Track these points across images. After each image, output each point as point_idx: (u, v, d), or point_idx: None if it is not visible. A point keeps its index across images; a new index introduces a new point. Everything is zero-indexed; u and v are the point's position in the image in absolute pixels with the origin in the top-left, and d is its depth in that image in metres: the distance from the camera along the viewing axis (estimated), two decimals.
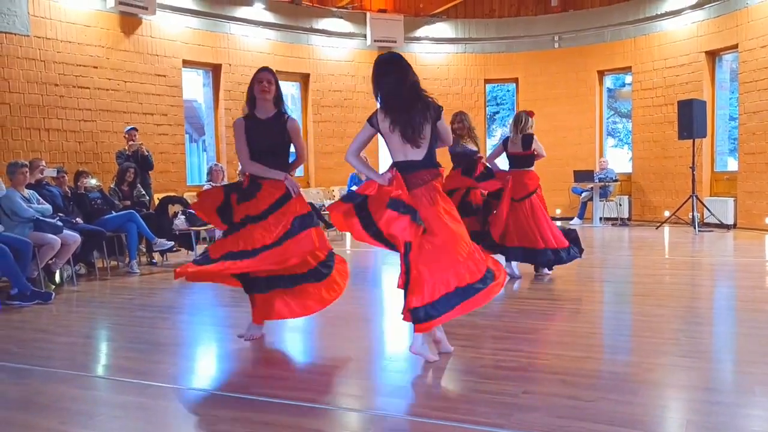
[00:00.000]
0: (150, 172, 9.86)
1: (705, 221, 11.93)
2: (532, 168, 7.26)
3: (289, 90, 13.56)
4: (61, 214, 7.49)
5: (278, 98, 4.69)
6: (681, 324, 5.06)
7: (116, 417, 3.32)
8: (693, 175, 11.55)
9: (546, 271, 7.25)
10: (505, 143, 7.34)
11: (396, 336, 5.09)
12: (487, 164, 7.14)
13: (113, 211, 8.37)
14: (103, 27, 10.64)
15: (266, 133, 4.53)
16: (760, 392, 3.42)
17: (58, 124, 10.02)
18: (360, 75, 14.02)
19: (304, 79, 13.77)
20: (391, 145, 4.09)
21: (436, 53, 14.88)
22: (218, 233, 9.02)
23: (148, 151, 9.66)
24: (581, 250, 7.13)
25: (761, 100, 11.20)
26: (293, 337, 5.01)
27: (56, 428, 3.16)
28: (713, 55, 12.48)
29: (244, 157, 4.55)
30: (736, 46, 11.78)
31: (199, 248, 9.19)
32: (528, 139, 7.14)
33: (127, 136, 9.72)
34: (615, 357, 4.27)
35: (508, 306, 6.21)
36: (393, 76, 4.15)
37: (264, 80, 4.55)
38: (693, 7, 12.49)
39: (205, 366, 4.42)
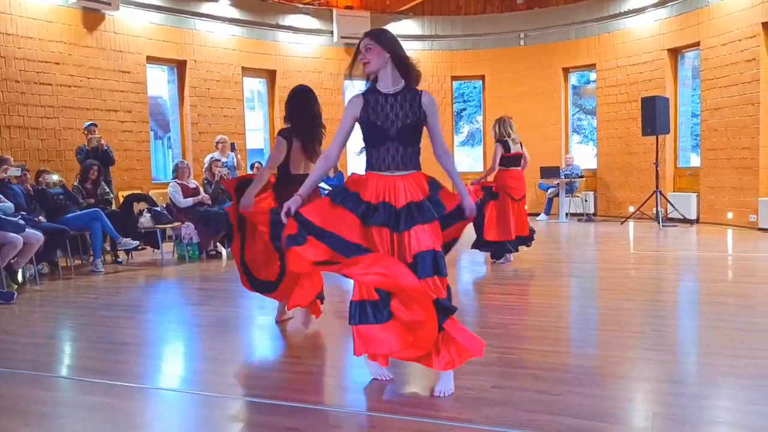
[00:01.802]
0: (111, 167, 9.67)
1: (669, 216, 12.11)
2: None
3: (256, 86, 13.48)
4: (23, 213, 7.35)
5: None
6: (646, 317, 5.13)
7: (81, 418, 3.27)
8: (657, 170, 11.72)
9: (509, 258, 7.85)
10: (505, 146, 7.88)
11: None
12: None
13: (77, 209, 8.23)
14: (65, 23, 10.46)
15: None
16: (724, 384, 3.48)
17: (19, 121, 9.83)
18: (327, 72, 13.97)
19: (270, 76, 13.66)
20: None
21: None
22: (185, 230, 8.94)
23: (107, 146, 9.48)
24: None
25: (722, 96, 11.40)
26: (261, 335, 4.98)
27: (20, 430, 3.09)
28: (675, 53, 12.68)
29: None
30: (697, 44, 11.98)
31: (165, 246, 9.10)
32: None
33: (86, 132, 9.53)
34: (582, 351, 4.32)
35: (476, 301, 6.24)
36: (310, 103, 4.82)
37: None
38: (656, 5, 12.66)
39: (171, 365, 4.37)
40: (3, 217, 6.78)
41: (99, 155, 9.27)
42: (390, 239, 3.38)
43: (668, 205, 12.04)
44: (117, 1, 10.83)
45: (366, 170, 3.51)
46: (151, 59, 11.82)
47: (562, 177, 13.28)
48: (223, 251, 9.52)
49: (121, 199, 9.79)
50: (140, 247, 8.95)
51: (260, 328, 5.07)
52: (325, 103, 13.71)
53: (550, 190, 13.86)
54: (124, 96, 11.23)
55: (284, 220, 3.38)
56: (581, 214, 13.69)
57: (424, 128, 3.51)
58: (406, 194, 3.39)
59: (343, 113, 3.53)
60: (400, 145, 3.43)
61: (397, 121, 3.43)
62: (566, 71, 14.55)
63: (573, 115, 15.89)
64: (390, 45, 3.54)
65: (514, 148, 7.90)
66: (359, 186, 3.46)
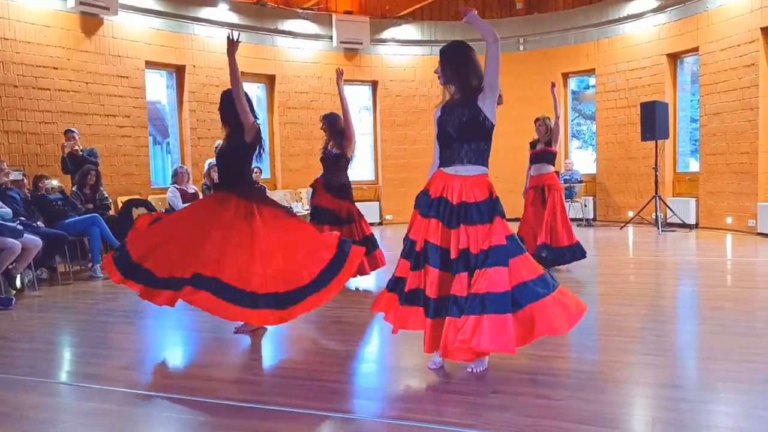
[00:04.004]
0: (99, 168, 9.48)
1: (668, 221, 12.11)
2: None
3: (255, 92, 13.47)
4: (22, 218, 7.34)
5: None
6: (646, 323, 5.12)
7: (80, 424, 3.26)
8: (656, 175, 11.72)
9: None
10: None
11: (365, 338, 5.08)
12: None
13: (75, 214, 8.22)
14: (64, 27, 10.46)
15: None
16: (723, 388, 3.47)
17: (17, 126, 9.82)
18: (326, 76, 13.97)
19: (269, 81, 13.69)
20: None
21: (402, 55, 14.90)
22: None
23: (83, 151, 9.32)
24: None
25: (721, 102, 11.41)
26: (259, 341, 4.96)
27: None
28: (674, 58, 12.69)
29: None
30: (696, 49, 11.99)
31: None
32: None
33: (65, 137, 9.40)
34: (582, 356, 4.31)
35: None
36: None
37: None
38: (655, 11, 12.68)
39: (171, 371, 4.36)
40: (1, 222, 6.77)
41: (78, 161, 9.13)
42: (441, 232, 3.71)
43: (667, 210, 12.04)
44: (116, 6, 10.83)
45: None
46: (150, 64, 11.83)
47: (562, 182, 13.25)
48: None
49: (120, 205, 9.78)
50: None
51: (258, 334, 5.05)
52: (325, 109, 13.84)
53: None
54: (122, 101, 11.22)
55: None
56: (581, 219, 13.68)
57: (490, 131, 3.83)
58: (462, 193, 3.71)
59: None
60: (460, 143, 3.76)
61: (455, 120, 3.77)
62: (565, 76, 14.56)
63: (572, 120, 15.89)
64: (451, 61, 3.97)
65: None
66: (430, 183, 3.86)
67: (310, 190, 7.32)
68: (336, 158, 6.97)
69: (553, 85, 7.79)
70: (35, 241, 7.02)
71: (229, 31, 4.85)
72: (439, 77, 4.00)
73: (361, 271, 6.88)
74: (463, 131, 3.75)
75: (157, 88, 13.39)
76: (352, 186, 7.28)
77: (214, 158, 6.24)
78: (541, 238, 7.36)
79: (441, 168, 3.84)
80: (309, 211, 7.60)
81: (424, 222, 3.78)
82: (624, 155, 13.48)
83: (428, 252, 3.71)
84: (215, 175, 9.67)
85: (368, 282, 7.26)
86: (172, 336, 5.31)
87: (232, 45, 4.69)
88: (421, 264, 3.74)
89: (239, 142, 4.88)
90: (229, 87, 4.83)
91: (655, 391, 3.54)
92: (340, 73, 6.92)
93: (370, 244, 7.02)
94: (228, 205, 4.74)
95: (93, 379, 3.95)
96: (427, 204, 3.79)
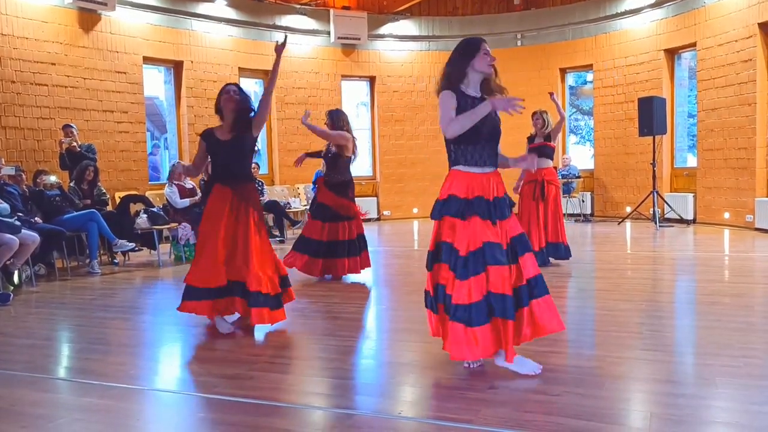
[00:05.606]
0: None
1: (665, 216, 12.12)
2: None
3: (253, 87, 13.45)
4: (20, 214, 7.32)
5: None
6: (644, 318, 5.12)
7: (77, 420, 3.26)
8: (653, 171, 11.73)
9: None
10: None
11: (363, 334, 5.08)
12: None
13: (73, 210, 8.21)
14: (61, 23, 10.43)
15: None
16: (721, 384, 3.48)
17: (15, 122, 9.80)
18: (324, 72, 13.96)
19: (267, 76, 13.64)
20: None
21: (399, 51, 14.88)
22: (182, 231, 8.92)
23: (80, 146, 9.25)
24: None
25: (719, 97, 11.41)
26: (259, 336, 4.96)
27: None
28: (672, 53, 12.69)
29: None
30: (694, 44, 11.99)
31: (162, 247, 9.09)
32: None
33: (62, 132, 9.31)
34: (580, 351, 4.31)
35: None
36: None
37: None
38: (652, 6, 12.67)
39: (168, 367, 4.36)
40: None
41: (76, 157, 9.06)
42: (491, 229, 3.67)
43: (665, 205, 12.05)
44: (113, 2, 10.80)
45: (457, 167, 3.76)
46: (148, 60, 11.80)
47: (560, 177, 13.26)
48: None
49: (118, 200, 9.77)
50: (137, 248, 8.91)
51: (257, 330, 5.05)
52: (322, 104, 13.82)
53: None
54: (120, 97, 11.20)
55: None
56: (578, 215, 13.69)
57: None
58: (494, 190, 3.74)
59: (441, 106, 3.87)
60: (487, 143, 3.79)
61: (489, 122, 3.80)
62: (563, 72, 14.56)
63: (570, 116, 15.89)
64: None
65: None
66: (456, 188, 3.70)
67: (308, 186, 7.38)
68: (334, 157, 7.08)
69: (552, 93, 7.87)
70: (33, 237, 7.01)
71: (284, 33, 5.20)
72: (491, 64, 4.15)
73: (353, 270, 7.14)
74: (494, 134, 3.88)
75: (155, 83, 13.37)
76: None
77: None
78: (549, 237, 7.58)
79: (469, 169, 3.71)
80: (307, 207, 7.66)
81: (463, 224, 3.64)
82: (622, 151, 13.48)
83: (494, 251, 3.59)
84: None
85: (363, 278, 7.28)
86: (169, 332, 5.31)
87: (281, 46, 5.34)
88: (482, 267, 3.57)
89: (246, 134, 5.32)
90: (231, 82, 5.04)
91: (653, 386, 3.55)
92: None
93: (362, 242, 7.19)
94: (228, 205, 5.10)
95: (90, 375, 3.95)
96: (465, 205, 3.67)
